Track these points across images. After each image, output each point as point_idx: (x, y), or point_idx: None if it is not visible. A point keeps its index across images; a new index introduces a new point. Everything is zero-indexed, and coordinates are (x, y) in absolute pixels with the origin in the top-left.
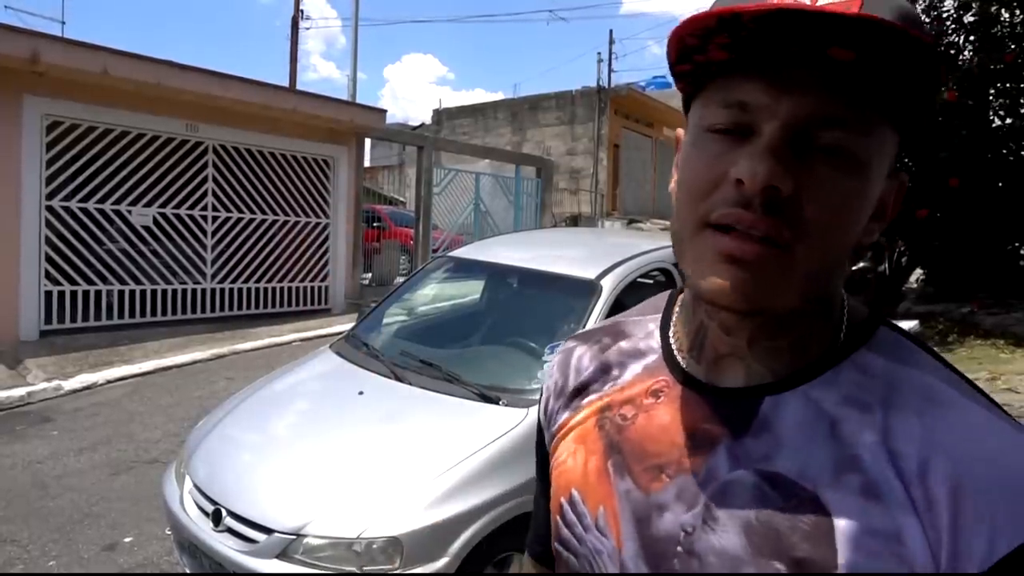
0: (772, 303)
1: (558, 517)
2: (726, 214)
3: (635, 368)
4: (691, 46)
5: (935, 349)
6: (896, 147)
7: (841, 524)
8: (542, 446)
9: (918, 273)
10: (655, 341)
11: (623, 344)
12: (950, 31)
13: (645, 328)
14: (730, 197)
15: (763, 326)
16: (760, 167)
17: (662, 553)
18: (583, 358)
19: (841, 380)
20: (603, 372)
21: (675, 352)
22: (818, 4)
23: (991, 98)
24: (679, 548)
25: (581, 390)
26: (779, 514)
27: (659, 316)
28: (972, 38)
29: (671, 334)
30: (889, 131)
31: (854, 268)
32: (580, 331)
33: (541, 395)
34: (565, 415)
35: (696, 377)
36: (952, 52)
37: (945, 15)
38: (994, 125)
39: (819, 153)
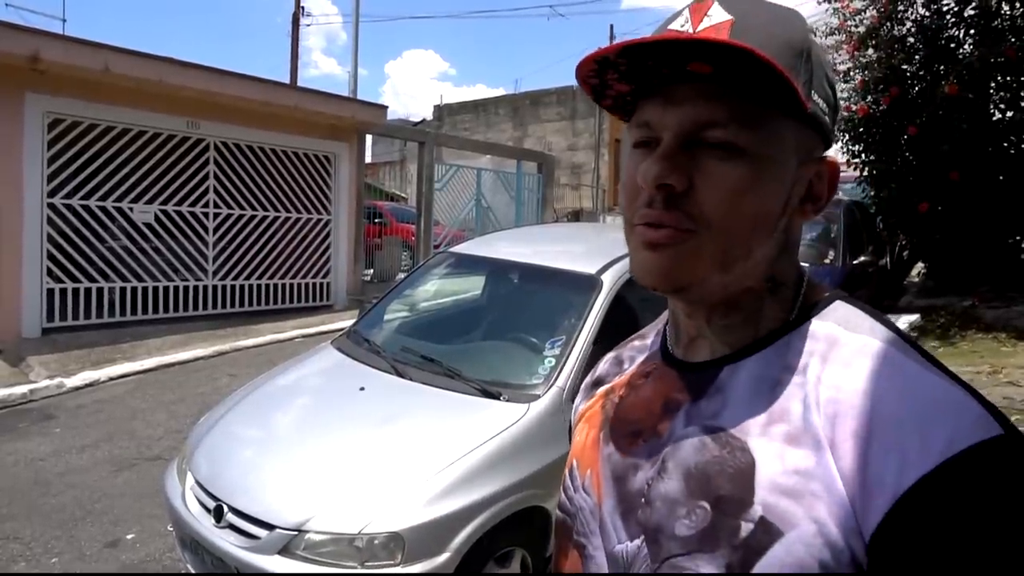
0: (689, 280)
1: (561, 488)
2: (641, 214)
3: (639, 359)
4: (596, 85)
5: (891, 319)
6: (806, 134)
7: (761, 467)
8: (571, 437)
9: (919, 267)
10: (659, 337)
11: (636, 343)
12: (950, 25)
13: (657, 328)
14: (642, 200)
15: (715, 308)
16: (651, 170)
17: (632, 506)
18: (610, 360)
19: (790, 347)
20: (618, 365)
21: (668, 342)
22: (697, 31)
23: (992, 92)
24: (643, 499)
25: (598, 382)
26: (713, 461)
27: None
28: (972, 32)
29: (668, 328)
30: (787, 123)
31: (855, 262)
32: (623, 341)
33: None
34: (584, 404)
35: (676, 356)
36: (952, 46)
37: (945, 9)
38: (995, 119)
39: (709, 150)
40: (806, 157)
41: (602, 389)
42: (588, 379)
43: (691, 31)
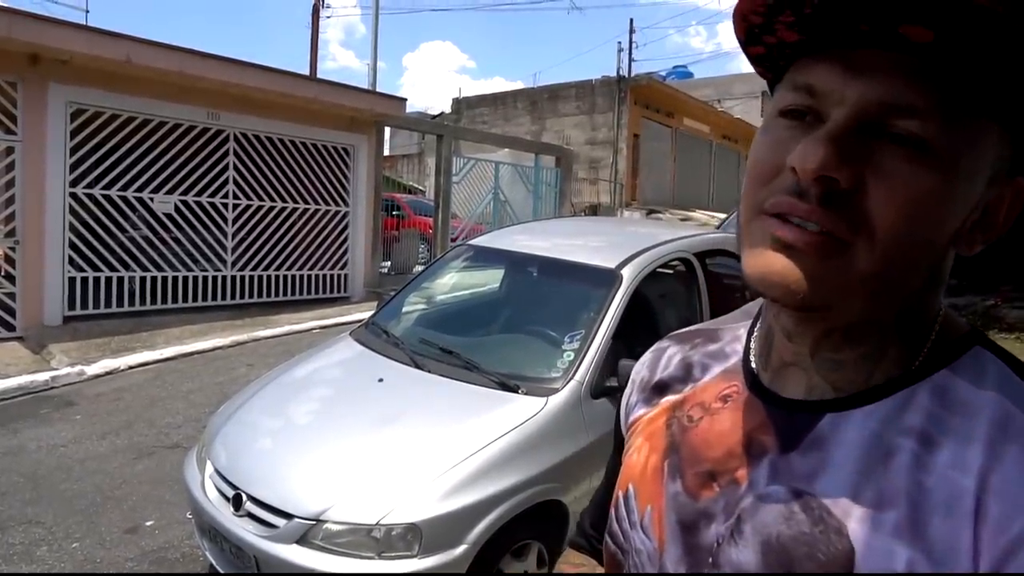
0: (826, 302)
1: (613, 510)
2: (778, 202)
3: (715, 371)
4: (756, 25)
5: None
6: (1005, 148)
7: (862, 564)
8: (619, 433)
9: None
10: (740, 345)
11: (711, 347)
12: None
13: (735, 332)
14: (787, 185)
15: (827, 335)
16: (814, 155)
17: (699, 561)
18: (673, 357)
19: (913, 405)
20: (686, 372)
21: (752, 358)
22: None
23: None
24: (710, 559)
25: (662, 388)
26: (801, 539)
27: (750, 321)
28: None
29: (753, 339)
30: (990, 128)
31: None
32: (678, 332)
33: (627, 386)
34: (643, 410)
35: (763, 384)
36: None
37: None
38: None
39: (891, 144)
40: (996, 176)
41: (668, 400)
42: (646, 375)
43: None
